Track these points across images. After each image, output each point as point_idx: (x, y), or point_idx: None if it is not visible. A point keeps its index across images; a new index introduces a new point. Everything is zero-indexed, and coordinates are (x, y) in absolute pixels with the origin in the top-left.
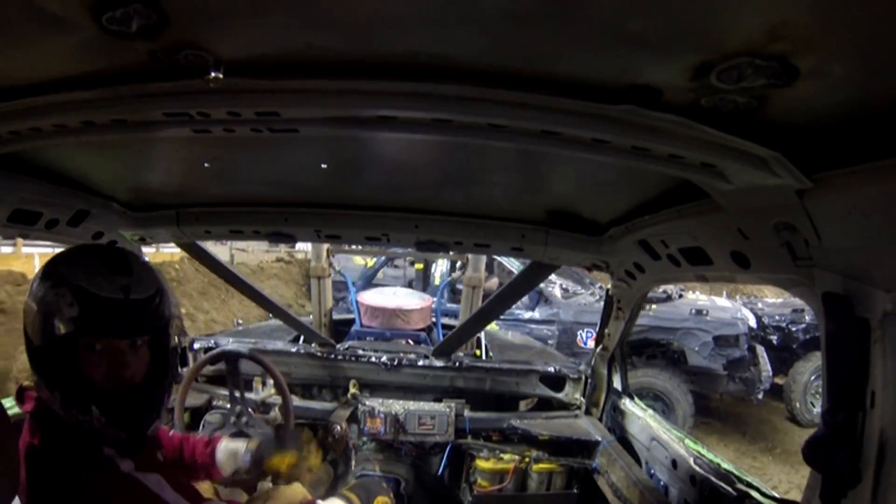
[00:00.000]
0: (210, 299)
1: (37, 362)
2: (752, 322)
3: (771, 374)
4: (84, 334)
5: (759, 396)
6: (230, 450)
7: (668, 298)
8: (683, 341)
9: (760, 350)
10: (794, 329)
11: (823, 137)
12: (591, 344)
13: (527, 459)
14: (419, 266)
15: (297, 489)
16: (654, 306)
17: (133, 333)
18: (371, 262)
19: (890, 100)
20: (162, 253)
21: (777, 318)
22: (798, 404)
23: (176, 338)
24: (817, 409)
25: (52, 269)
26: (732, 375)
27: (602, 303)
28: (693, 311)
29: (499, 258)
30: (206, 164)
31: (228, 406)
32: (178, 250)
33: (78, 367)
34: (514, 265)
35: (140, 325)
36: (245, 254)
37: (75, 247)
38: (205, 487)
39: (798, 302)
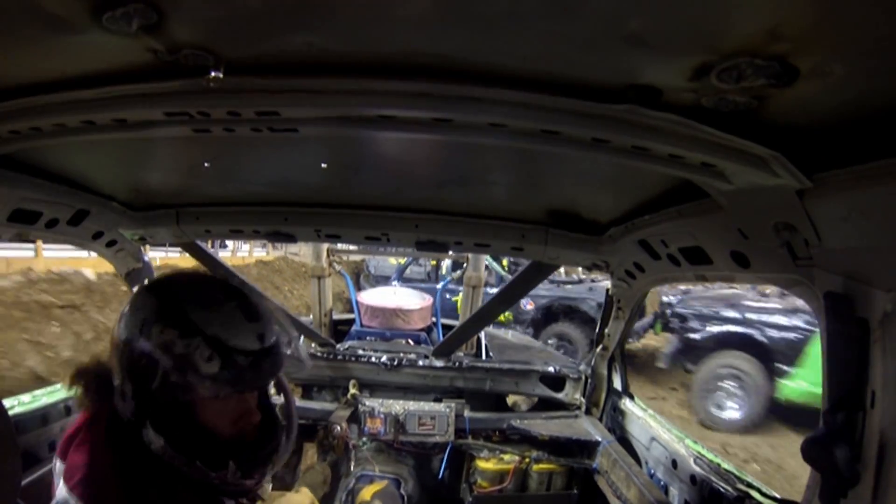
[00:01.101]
0: None
1: (147, 407)
2: None
3: (641, 330)
4: (229, 388)
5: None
6: None
7: (580, 282)
8: (581, 305)
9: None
10: (694, 318)
11: (824, 137)
12: (529, 307)
13: (527, 460)
14: (433, 262)
15: (305, 494)
16: (567, 286)
17: (266, 382)
18: (403, 260)
19: (890, 100)
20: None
21: (683, 307)
22: (696, 400)
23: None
24: (715, 411)
25: (174, 309)
26: None
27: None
28: (589, 287)
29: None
30: (206, 164)
31: None
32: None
33: (196, 415)
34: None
35: (272, 374)
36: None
37: (189, 281)
38: None
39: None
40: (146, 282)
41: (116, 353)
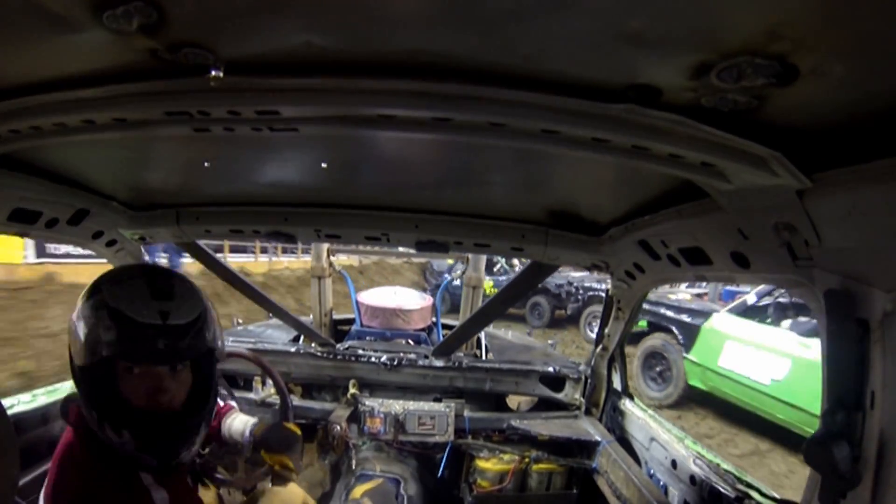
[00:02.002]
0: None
1: (77, 380)
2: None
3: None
4: (121, 358)
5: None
6: (237, 424)
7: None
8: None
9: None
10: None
11: (824, 137)
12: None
13: (526, 459)
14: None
15: (295, 491)
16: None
17: (170, 360)
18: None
19: (890, 100)
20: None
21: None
22: (636, 378)
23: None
24: (645, 388)
25: (95, 289)
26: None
27: None
28: None
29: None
30: (206, 164)
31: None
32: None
33: (116, 388)
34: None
35: (178, 352)
36: (369, 259)
37: (121, 267)
38: (209, 498)
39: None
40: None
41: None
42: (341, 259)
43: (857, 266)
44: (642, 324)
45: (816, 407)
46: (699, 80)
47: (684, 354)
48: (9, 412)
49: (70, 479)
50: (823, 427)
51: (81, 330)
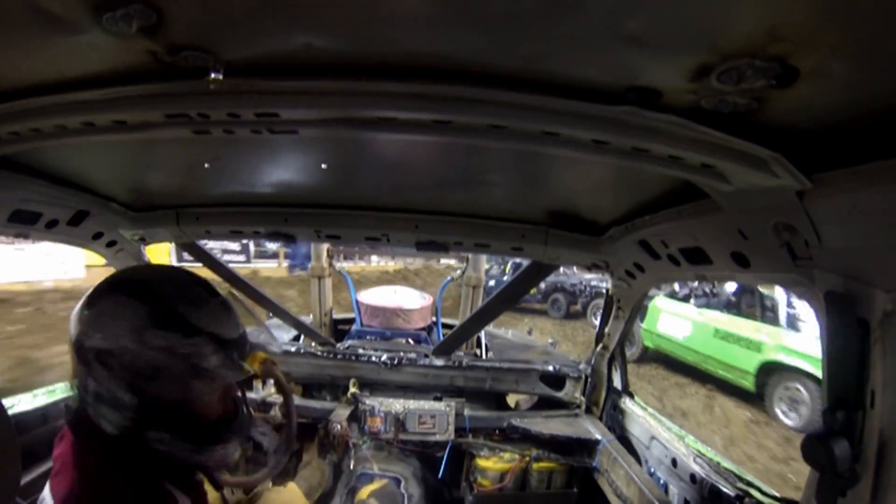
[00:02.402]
0: None
1: (148, 411)
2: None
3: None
4: (226, 380)
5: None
6: None
7: None
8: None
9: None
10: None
11: (823, 138)
12: None
13: (527, 458)
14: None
15: (294, 491)
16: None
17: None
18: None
19: (890, 101)
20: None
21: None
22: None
23: None
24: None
25: (168, 312)
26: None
27: None
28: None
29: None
30: (206, 165)
31: None
32: None
33: (191, 406)
34: None
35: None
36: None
37: (159, 274)
38: (212, 497)
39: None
40: (109, 283)
41: (99, 365)
42: (388, 265)
43: (857, 266)
44: None
45: (708, 351)
46: (699, 81)
47: (640, 324)
48: (9, 412)
49: (93, 492)
50: (823, 425)
51: (166, 362)
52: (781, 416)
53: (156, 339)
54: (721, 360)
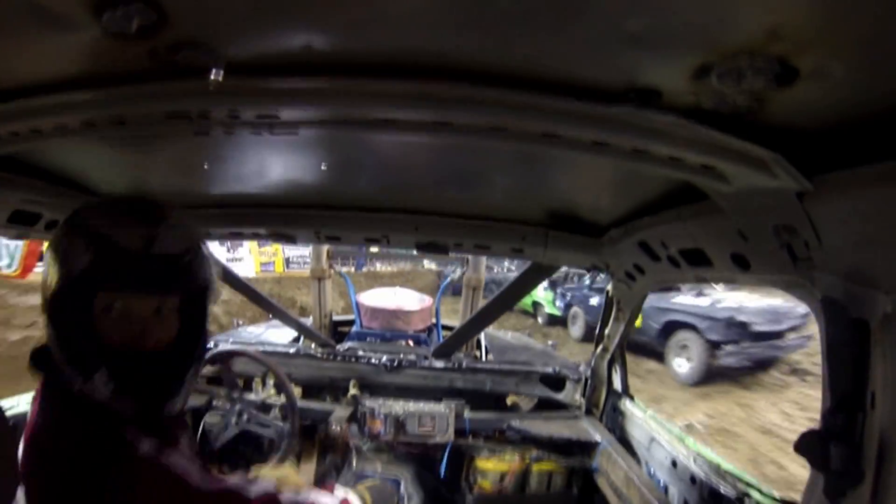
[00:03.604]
0: None
1: (48, 315)
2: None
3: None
4: (95, 287)
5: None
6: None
7: None
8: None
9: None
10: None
11: (824, 139)
12: None
13: (527, 459)
14: None
15: (289, 469)
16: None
17: (152, 291)
18: None
19: (890, 102)
20: None
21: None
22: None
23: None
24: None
25: (74, 213)
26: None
27: None
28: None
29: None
30: (205, 165)
31: (228, 406)
32: None
33: (91, 323)
34: None
35: (161, 284)
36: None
37: (109, 197)
38: None
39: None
40: None
41: None
42: (380, 268)
43: (857, 268)
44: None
45: None
46: (699, 81)
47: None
48: (9, 413)
49: (40, 435)
50: (822, 423)
51: (53, 255)
52: (675, 367)
53: (56, 235)
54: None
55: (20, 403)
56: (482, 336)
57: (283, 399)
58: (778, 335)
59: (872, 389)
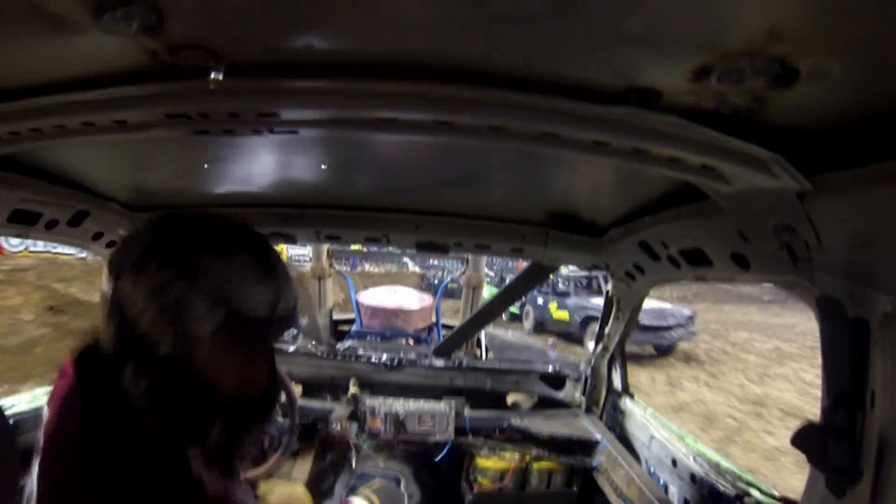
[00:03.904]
0: None
1: (131, 344)
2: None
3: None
4: (216, 351)
5: None
6: None
7: None
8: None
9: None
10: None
11: (824, 139)
12: None
13: (527, 458)
14: None
15: (300, 486)
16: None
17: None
18: None
19: (890, 102)
20: None
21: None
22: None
23: None
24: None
25: (179, 246)
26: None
27: None
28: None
29: None
30: (206, 165)
31: None
32: None
33: (205, 380)
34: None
35: (275, 344)
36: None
37: (206, 217)
38: None
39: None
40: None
41: (109, 279)
42: (370, 269)
43: (857, 268)
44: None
45: (556, 315)
46: (699, 82)
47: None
48: (8, 412)
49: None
50: (823, 423)
51: (151, 300)
52: (590, 349)
53: (152, 271)
54: (560, 319)
55: (20, 403)
56: (482, 335)
57: (283, 397)
58: (662, 329)
59: (872, 388)
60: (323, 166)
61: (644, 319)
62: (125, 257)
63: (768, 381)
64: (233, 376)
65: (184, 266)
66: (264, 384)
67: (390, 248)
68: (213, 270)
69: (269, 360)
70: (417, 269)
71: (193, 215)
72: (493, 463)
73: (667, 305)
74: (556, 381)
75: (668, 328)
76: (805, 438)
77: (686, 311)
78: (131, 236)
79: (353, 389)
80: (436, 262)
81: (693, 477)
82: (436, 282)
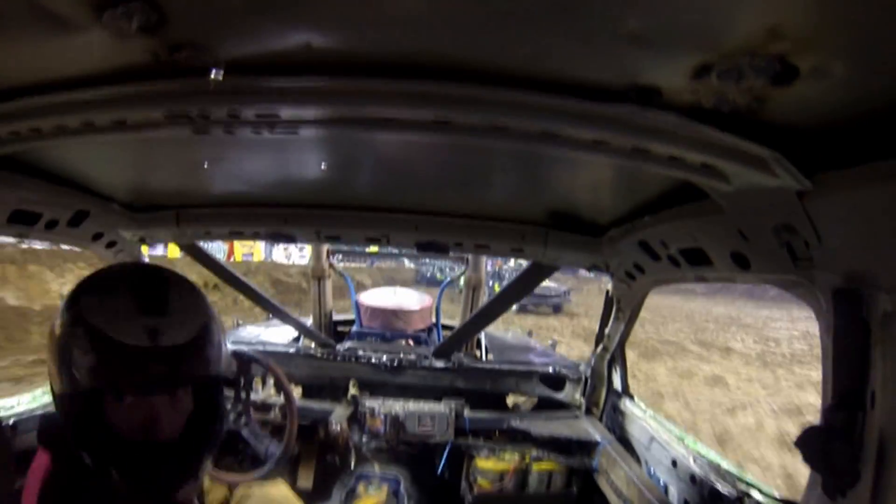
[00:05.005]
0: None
1: (56, 405)
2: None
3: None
4: (102, 387)
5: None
6: None
7: None
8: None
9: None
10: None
11: (824, 138)
12: None
13: (527, 459)
14: None
15: (283, 491)
16: None
17: (164, 388)
18: None
19: (890, 100)
20: None
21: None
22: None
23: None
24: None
25: (73, 299)
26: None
27: None
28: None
29: None
30: (205, 165)
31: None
32: None
33: (102, 420)
34: None
35: (171, 379)
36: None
37: (104, 269)
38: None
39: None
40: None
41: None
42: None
43: (857, 267)
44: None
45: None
46: (699, 80)
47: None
48: (8, 412)
49: None
50: (823, 423)
51: (57, 350)
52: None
53: (58, 326)
54: None
55: (20, 403)
56: (482, 335)
57: (282, 399)
58: (549, 296)
59: (872, 388)
60: (323, 166)
61: (536, 291)
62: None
63: (595, 319)
64: (127, 416)
65: (70, 313)
66: (179, 427)
67: (390, 249)
68: (91, 312)
69: (194, 399)
70: (413, 266)
71: (110, 267)
72: (492, 464)
73: (552, 284)
74: (556, 382)
75: (553, 296)
76: (807, 441)
77: (563, 288)
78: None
79: (352, 391)
80: (427, 260)
81: (693, 478)
82: (428, 275)
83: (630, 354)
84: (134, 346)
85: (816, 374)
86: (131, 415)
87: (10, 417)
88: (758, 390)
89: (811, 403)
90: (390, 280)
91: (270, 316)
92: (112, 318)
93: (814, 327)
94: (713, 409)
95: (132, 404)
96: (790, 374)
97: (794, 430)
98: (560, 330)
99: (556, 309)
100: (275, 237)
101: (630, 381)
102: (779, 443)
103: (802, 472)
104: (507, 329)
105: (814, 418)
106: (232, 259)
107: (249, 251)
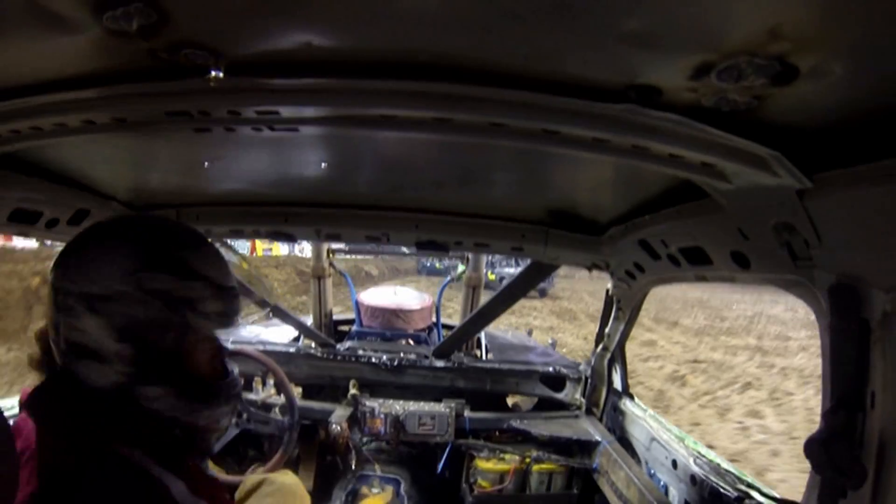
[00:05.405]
0: None
1: (140, 362)
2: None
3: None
4: (222, 327)
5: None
6: None
7: None
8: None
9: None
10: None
11: (824, 137)
12: None
13: (527, 459)
14: None
15: (294, 480)
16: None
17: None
18: None
19: (890, 100)
20: None
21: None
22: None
23: None
24: None
25: (162, 254)
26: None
27: None
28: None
29: None
30: (206, 164)
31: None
32: None
33: (185, 362)
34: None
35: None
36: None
37: (147, 219)
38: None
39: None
40: (95, 228)
41: (89, 313)
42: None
43: (857, 266)
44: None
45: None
46: (699, 80)
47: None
48: (8, 413)
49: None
50: (824, 426)
51: (162, 308)
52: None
53: (152, 282)
54: (491, 279)
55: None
56: (482, 335)
57: (282, 399)
58: None
59: (872, 389)
60: (323, 164)
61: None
62: (108, 278)
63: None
64: (211, 359)
65: (156, 256)
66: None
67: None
68: (187, 255)
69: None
70: (414, 256)
71: (141, 220)
72: (493, 464)
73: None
74: (556, 382)
75: None
76: (813, 451)
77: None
78: (100, 257)
79: (352, 391)
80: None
81: (693, 478)
82: (428, 265)
83: (587, 321)
84: (229, 286)
85: (737, 341)
86: (212, 354)
87: (10, 418)
88: (676, 350)
89: (712, 359)
90: (394, 270)
91: (270, 315)
92: (218, 267)
93: (769, 308)
94: (633, 358)
95: (212, 342)
96: (715, 341)
97: (684, 372)
98: (540, 309)
99: (542, 293)
100: (275, 236)
101: (572, 333)
102: (667, 379)
103: (673, 393)
104: (507, 330)
105: (711, 371)
106: (254, 254)
107: (269, 247)
